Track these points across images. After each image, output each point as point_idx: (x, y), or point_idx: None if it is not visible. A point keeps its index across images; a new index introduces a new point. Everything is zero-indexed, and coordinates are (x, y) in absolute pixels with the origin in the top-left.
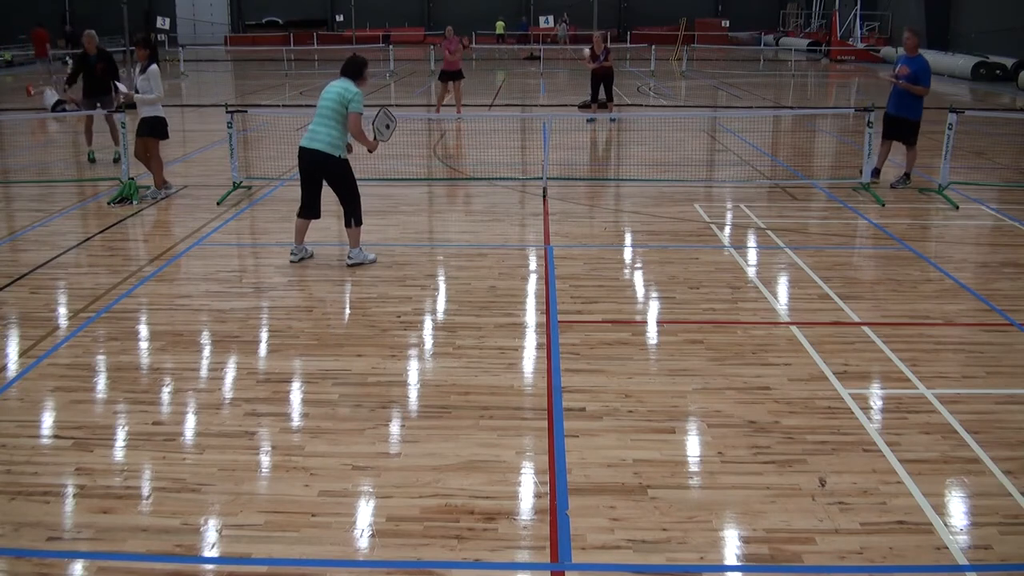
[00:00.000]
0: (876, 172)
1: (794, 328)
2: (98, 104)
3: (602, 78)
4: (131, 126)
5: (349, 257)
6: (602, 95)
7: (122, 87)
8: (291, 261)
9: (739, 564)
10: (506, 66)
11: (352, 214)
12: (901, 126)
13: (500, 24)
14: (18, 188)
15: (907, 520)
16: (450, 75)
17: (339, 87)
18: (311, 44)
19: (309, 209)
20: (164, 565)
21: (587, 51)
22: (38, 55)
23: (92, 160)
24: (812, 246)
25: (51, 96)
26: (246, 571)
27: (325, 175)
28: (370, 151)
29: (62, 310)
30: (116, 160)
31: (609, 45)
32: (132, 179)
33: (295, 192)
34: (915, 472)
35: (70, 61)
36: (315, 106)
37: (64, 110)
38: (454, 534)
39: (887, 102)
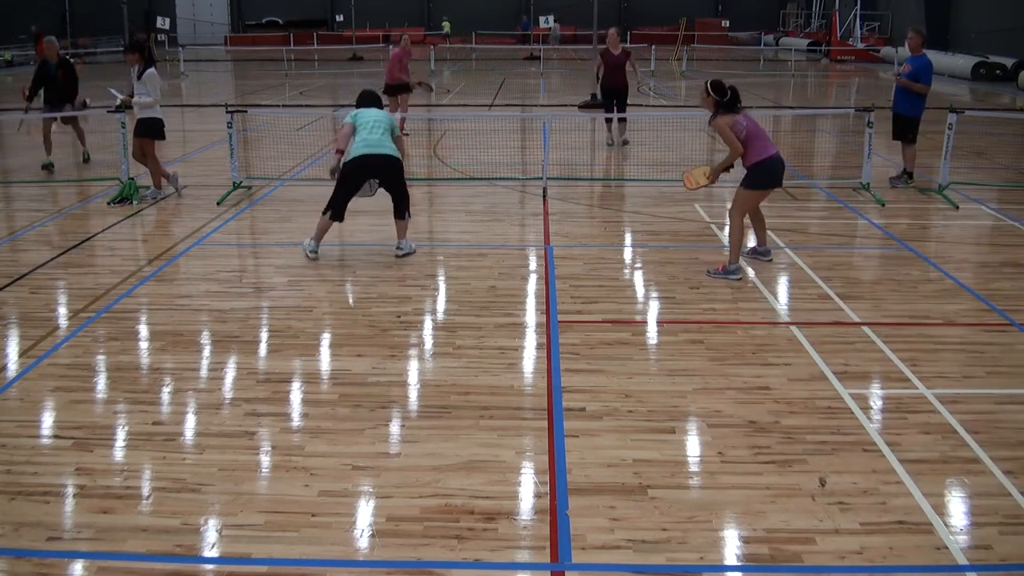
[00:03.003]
0: (910, 175)
1: (794, 328)
2: (58, 113)
3: (618, 88)
4: (131, 126)
5: (399, 248)
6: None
7: (115, 92)
8: (310, 257)
9: (739, 564)
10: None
11: (407, 207)
12: (901, 123)
13: (446, 24)
14: (18, 188)
15: (907, 520)
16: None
17: (382, 113)
18: (311, 44)
19: (340, 211)
20: (164, 565)
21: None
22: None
23: (45, 167)
24: (812, 246)
25: None
26: (246, 571)
27: (391, 174)
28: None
29: (62, 310)
30: (86, 160)
31: (628, 47)
32: (132, 179)
33: (295, 192)
34: (915, 472)
35: (71, 62)
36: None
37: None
38: (454, 534)
39: (892, 103)
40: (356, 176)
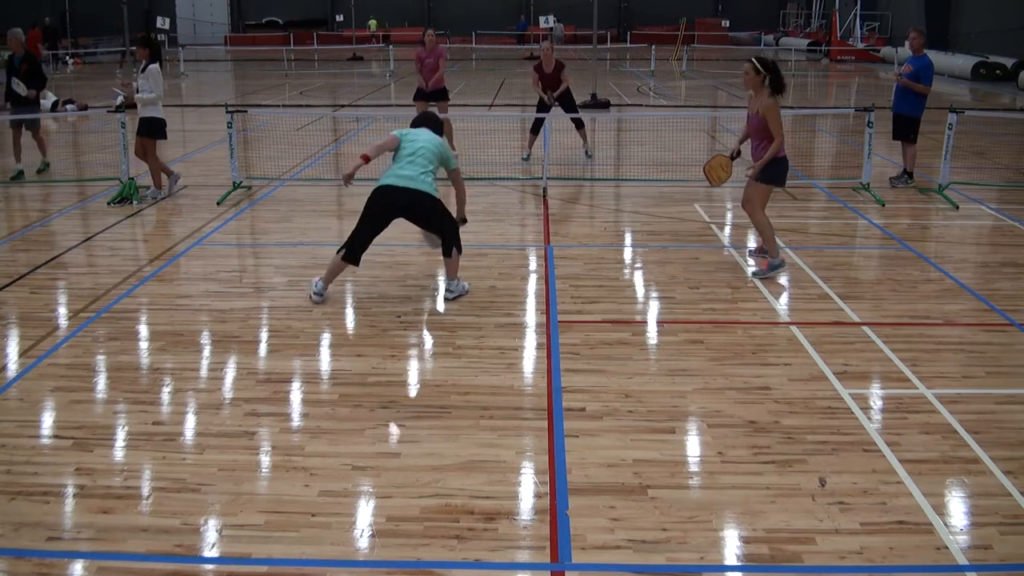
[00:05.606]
0: (910, 175)
1: (794, 328)
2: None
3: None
4: (131, 126)
5: (448, 291)
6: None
7: (118, 91)
8: (314, 300)
9: (739, 564)
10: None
11: (454, 242)
12: (902, 123)
13: (373, 23)
14: (18, 188)
15: (907, 520)
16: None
17: (435, 140)
18: (311, 44)
19: (358, 254)
20: (164, 565)
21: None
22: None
23: (14, 178)
24: (812, 246)
25: (49, 96)
26: (246, 571)
27: (419, 214)
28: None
29: (62, 310)
30: (41, 171)
31: (562, 59)
32: (132, 179)
33: (295, 192)
34: (915, 472)
35: (69, 61)
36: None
37: (64, 110)
38: (454, 534)
39: (892, 103)
40: (377, 210)
